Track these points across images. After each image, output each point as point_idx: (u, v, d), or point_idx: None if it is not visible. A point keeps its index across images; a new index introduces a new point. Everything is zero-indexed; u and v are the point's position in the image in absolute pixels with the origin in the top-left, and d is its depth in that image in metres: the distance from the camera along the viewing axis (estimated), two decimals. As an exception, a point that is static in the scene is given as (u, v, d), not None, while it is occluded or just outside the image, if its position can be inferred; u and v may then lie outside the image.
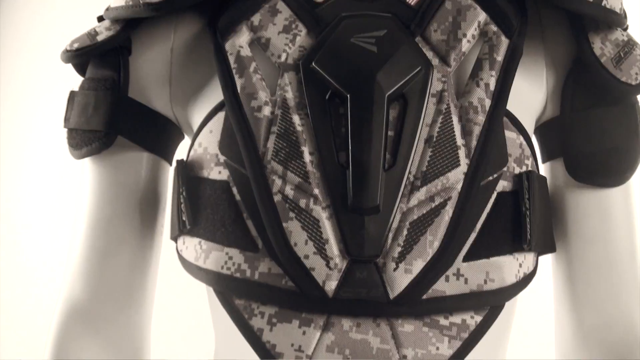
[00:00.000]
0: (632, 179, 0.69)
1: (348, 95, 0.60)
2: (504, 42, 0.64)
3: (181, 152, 0.73)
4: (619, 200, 0.68)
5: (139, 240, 0.71)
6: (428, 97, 0.61)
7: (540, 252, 0.66)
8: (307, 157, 0.60)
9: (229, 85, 0.64)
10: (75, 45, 0.71)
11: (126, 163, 0.71)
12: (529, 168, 0.64)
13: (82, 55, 0.71)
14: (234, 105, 0.63)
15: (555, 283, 0.72)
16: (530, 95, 0.68)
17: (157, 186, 0.74)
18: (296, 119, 0.61)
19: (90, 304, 0.70)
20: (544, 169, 0.72)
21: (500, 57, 0.64)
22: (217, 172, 0.63)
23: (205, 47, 0.69)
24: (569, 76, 0.69)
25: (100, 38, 0.70)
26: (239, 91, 0.63)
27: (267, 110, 0.62)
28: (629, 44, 0.68)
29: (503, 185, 0.62)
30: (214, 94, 0.67)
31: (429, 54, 0.63)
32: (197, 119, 0.69)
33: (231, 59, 0.65)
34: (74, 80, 0.75)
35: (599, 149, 0.67)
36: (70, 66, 0.75)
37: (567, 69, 0.69)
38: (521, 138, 0.64)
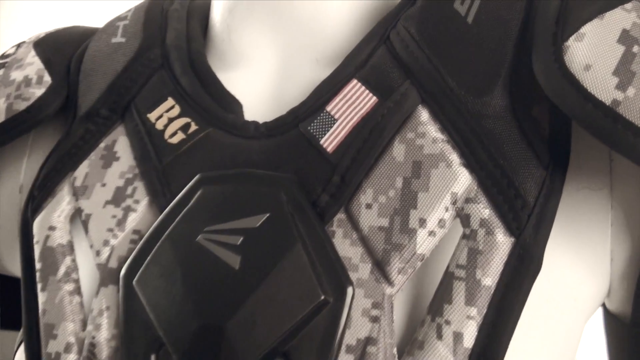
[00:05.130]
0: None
1: None
2: (503, 244, 0.32)
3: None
4: None
5: None
6: (336, 358, 0.32)
7: None
8: None
9: (30, 305, 0.39)
10: None
11: None
12: None
13: None
14: (33, 345, 0.38)
15: None
16: (582, 287, 0.37)
17: None
18: None
19: None
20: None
21: (489, 281, 0.31)
22: None
23: None
24: None
25: None
26: (39, 316, 0.38)
27: None
28: None
29: None
30: None
31: (353, 253, 0.33)
32: None
33: (36, 252, 0.39)
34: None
35: None
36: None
37: None
38: None
